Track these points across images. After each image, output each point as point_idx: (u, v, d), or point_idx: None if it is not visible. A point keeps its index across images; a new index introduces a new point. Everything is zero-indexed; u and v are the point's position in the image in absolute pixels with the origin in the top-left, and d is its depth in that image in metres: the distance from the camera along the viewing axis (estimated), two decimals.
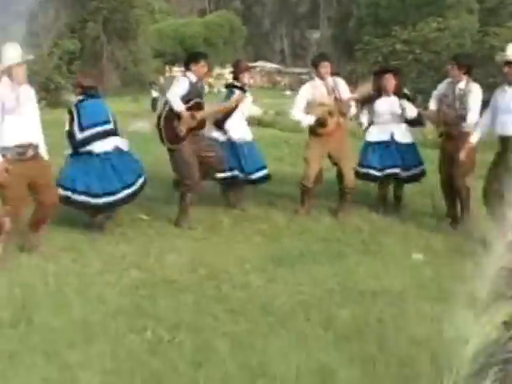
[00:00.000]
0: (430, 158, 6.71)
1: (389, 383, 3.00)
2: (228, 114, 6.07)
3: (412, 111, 6.07)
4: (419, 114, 6.13)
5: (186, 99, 5.61)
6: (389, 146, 6.14)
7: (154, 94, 27.57)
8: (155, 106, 24.24)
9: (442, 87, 5.80)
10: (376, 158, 6.14)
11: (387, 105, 6.11)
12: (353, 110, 6.00)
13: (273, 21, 61.38)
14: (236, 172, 6.18)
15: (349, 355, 3.25)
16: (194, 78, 5.67)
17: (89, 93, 5.48)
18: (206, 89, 5.96)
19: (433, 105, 5.84)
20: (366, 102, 6.16)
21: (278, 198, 6.61)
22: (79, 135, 5.34)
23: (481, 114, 5.54)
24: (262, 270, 4.63)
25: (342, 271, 4.58)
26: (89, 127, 5.34)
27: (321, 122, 5.83)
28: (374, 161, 6.14)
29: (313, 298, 4.05)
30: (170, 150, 5.73)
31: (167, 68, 45.22)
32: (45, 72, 17.37)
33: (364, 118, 6.25)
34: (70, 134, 5.41)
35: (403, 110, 6.04)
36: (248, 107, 6.36)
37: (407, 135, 6.21)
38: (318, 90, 5.91)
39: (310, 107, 5.90)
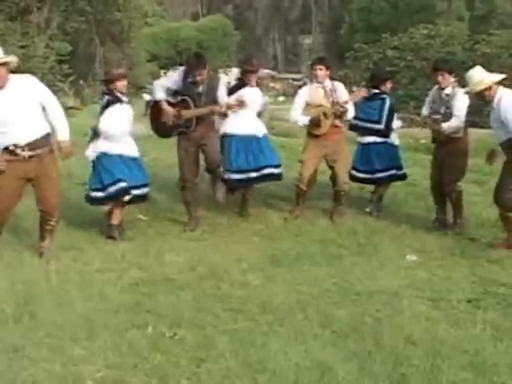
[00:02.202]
0: (423, 163, 6.84)
1: (385, 380, 3.06)
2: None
3: None
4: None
5: (174, 93, 5.67)
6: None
7: (147, 97, 27.54)
8: (148, 109, 24.20)
9: (431, 94, 5.91)
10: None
11: None
12: (350, 113, 6.03)
13: (265, 26, 61.56)
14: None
15: (346, 353, 3.33)
16: (191, 78, 5.61)
17: None
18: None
19: (425, 112, 5.95)
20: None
21: (274, 200, 6.70)
22: None
23: (467, 118, 5.61)
24: (260, 269, 4.69)
25: (338, 272, 4.65)
26: None
27: (315, 123, 5.92)
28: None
29: (310, 298, 4.12)
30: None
31: (162, 72, 45.09)
32: (40, 72, 17.41)
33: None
34: None
35: None
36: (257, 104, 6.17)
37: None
38: (315, 92, 6.00)
39: (307, 108, 5.99)
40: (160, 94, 5.69)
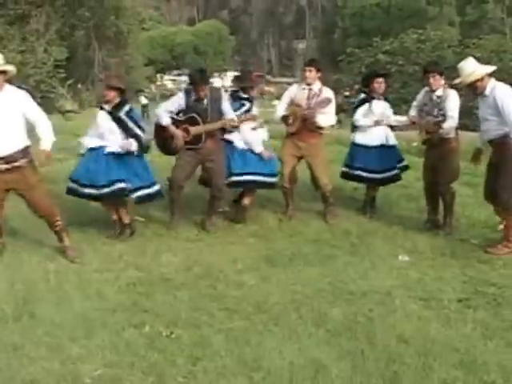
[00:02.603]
0: (416, 166, 6.91)
1: (377, 378, 3.13)
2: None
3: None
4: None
5: (180, 113, 5.73)
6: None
7: (144, 101, 27.68)
8: (145, 112, 24.40)
9: (420, 97, 5.96)
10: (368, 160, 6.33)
11: (381, 108, 6.33)
12: (322, 121, 6.02)
13: (260, 31, 61.82)
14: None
15: (339, 351, 3.39)
16: (195, 96, 5.68)
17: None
18: None
19: (413, 114, 6.03)
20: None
21: (268, 201, 6.76)
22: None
23: (460, 118, 5.68)
24: (255, 269, 4.75)
25: (332, 272, 4.71)
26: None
27: (284, 120, 6.12)
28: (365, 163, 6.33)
29: (305, 297, 4.19)
30: None
31: (158, 77, 45.12)
32: (38, 77, 17.53)
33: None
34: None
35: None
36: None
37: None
38: (300, 93, 6.11)
39: (289, 106, 6.14)
40: (165, 119, 5.72)
